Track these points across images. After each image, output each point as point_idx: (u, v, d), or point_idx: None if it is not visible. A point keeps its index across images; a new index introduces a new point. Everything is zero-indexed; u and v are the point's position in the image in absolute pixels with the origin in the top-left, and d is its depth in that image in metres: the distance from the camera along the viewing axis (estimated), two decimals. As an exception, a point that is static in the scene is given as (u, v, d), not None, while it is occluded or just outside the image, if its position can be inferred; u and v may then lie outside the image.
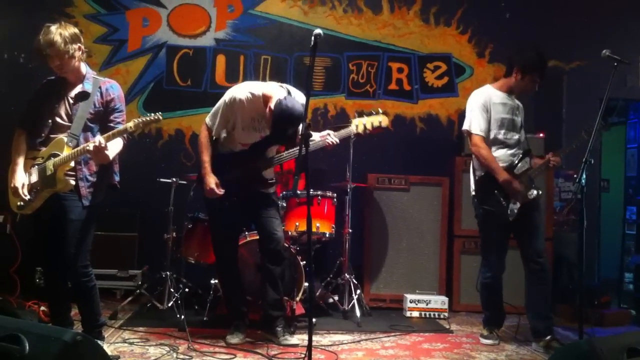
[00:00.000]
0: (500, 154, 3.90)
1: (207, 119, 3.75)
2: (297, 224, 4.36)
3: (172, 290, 4.36)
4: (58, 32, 3.02)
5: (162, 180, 4.54)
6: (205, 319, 4.24)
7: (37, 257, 3.72)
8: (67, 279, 3.22)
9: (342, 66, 5.60)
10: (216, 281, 4.30)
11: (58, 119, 3.15)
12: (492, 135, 3.92)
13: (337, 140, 3.74)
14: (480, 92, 4.00)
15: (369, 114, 3.84)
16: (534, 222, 3.88)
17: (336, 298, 4.73)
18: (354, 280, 4.63)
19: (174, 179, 4.51)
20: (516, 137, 3.96)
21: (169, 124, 5.37)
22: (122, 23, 5.44)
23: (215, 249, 3.92)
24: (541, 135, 5.11)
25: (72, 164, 3.08)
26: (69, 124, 3.13)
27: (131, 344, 3.61)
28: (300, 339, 3.74)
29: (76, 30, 3.12)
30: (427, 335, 4.16)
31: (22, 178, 3.11)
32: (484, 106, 3.91)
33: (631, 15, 5.65)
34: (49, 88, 3.22)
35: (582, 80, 5.43)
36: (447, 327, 4.43)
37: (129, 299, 4.46)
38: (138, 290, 4.53)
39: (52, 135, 3.15)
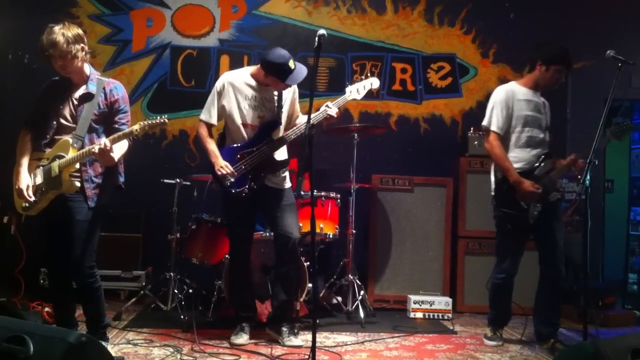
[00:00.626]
0: (523, 154, 3.78)
1: (202, 116, 3.78)
2: (300, 224, 4.35)
3: (176, 291, 4.36)
4: (61, 33, 3.01)
5: (166, 181, 4.54)
6: (209, 319, 4.24)
7: (42, 258, 3.73)
8: (73, 280, 3.23)
9: (346, 66, 5.60)
10: (220, 282, 4.31)
11: (62, 121, 3.14)
12: (515, 133, 3.79)
13: (337, 110, 3.76)
14: (503, 88, 3.88)
15: (360, 81, 3.93)
16: (555, 234, 3.77)
17: (340, 299, 4.73)
18: (358, 281, 4.62)
19: (178, 180, 4.50)
20: (541, 136, 3.83)
21: (173, 124, 5.36)
22: (126, 23, 5.45)
23: (232, 249, 3.92)
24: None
25: (78, 165, 3.07)
26: (74, 125, 3.13)
27: (135, 345, 3.62)
28: (304, 339, 3.75)
29: (79, 31, 3.10)
30: (431, 336, 4.16)
31: (27, 179, 3.11)
32: (505, 102, 3.78)
33: (636, 16, 5.61)
34: (53, 89, 3.21)
35: (586, 81, 5.40)
36: (451, 328, 4.43)
37: (133, 299, 4.46)
38: (142, 291, 4.53)
39: (57, 137, 3.14)
